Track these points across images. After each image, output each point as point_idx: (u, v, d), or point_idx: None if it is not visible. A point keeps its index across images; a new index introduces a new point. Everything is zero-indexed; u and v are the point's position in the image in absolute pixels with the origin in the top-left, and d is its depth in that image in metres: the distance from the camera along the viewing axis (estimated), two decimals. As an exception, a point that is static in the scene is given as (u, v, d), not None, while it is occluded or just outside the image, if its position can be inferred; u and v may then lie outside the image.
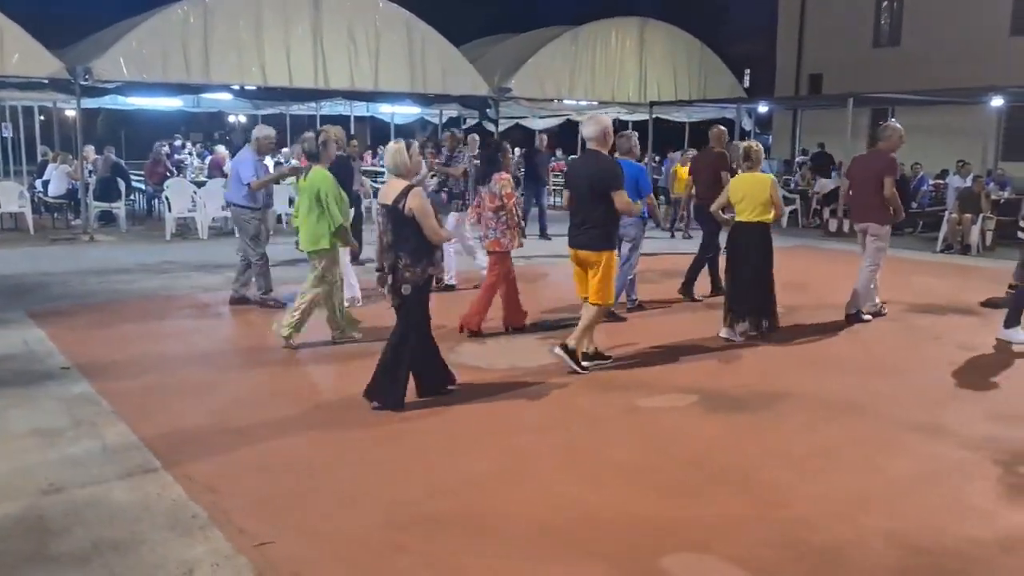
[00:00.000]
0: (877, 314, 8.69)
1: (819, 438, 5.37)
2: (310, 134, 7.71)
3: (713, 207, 8.17)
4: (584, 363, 6.68)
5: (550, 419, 5.69)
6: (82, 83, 14.16)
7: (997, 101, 16.67)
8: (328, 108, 24.55)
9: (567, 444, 5.24)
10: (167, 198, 14.94)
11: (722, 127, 10.32)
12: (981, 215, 14.20)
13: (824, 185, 17.97)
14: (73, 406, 5.75)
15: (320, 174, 7.20)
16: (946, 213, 14.94)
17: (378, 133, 30.30)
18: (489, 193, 7.74)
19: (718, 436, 5.41)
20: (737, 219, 7.78)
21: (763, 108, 23.31)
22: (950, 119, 18.82)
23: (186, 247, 13.62)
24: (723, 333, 7.79)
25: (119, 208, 15.86)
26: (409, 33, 17.77)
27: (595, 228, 6.43)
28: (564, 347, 6.66)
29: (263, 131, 8.95)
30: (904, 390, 6.39)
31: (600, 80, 21.10)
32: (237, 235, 9.21)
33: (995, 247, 14.26)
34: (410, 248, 5.63)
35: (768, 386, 6.40)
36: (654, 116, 21.60)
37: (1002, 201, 15.49)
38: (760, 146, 8.09)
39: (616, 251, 6.67)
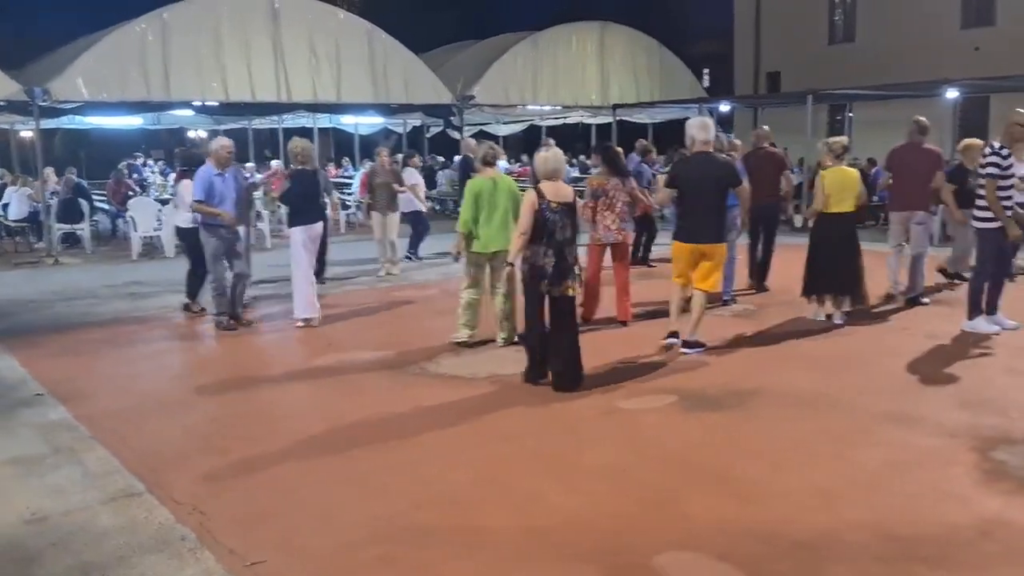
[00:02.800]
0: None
1: (794, 433, 5.47)
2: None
3: (817, 206, 8.36)
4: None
5: (531, 425, 5.73)
6: (40, 104, 13.99)
7: (952, 93, 17.02)
8: (291, 121, 24.43)
9: (550, 449, 5.28)
10: (132, 217, 14.79)
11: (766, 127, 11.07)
12: (940, 206, 14.44)
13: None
14: (50, 433, 5.70)
15: None
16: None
17: (342, 145, 30.19)
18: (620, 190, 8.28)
19: (695, 435, 5.49)
20: (832, 211, 8.16)
21: (725, 107, 23.57)
22: (907, 112, 19.00)
23: (153, 266, 13.48)
24: (836, 317, 8.34)
25: (83, 229, 15.67)
26: (371, 44, 17.80)
27: (720, 222, 7.22)
28: (686, 343, 7.33)
29: (219, 142, 8.75)
30: (875, 381, 6.52)
31: (562, 84, 21.27)
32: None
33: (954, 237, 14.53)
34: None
35: (742, 384, 6.49)
36: (617, 119, 21.76)
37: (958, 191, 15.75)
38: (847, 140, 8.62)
39: None
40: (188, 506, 4.47)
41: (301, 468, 5.04)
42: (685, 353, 7.30)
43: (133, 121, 23.49)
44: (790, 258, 10.23)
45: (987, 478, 4.67)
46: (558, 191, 6.36)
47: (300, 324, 8.76)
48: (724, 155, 8.30)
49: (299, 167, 9.04)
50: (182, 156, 9.83)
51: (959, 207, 8.98)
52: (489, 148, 7.91)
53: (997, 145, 7.56)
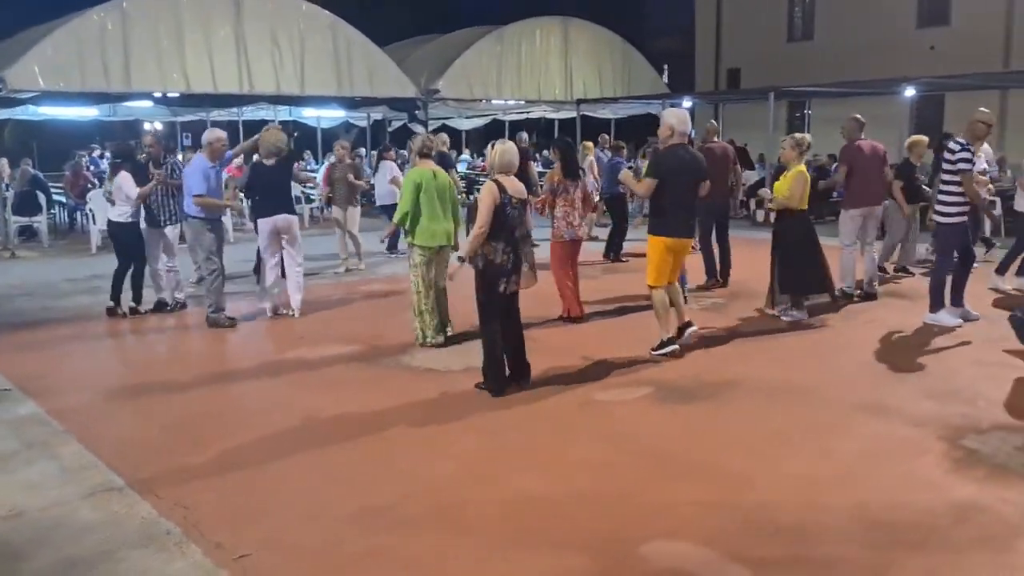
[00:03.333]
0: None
1: (770, 423, 5.56)
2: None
3: (794, 203, 8.21)
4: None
5: (510, 417, 5.75)
6: (-5, 94, 13.69)
7: (909, 92, 17.34)
8: (251, 113, 24.17)
9: (530, 441, 5.31)
10: (91, 210, 14.50)
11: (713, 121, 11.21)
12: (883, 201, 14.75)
13: (749, 177, 18.43)
14: (21, 428, 5.59)
15: None
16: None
17: (302, 137, 29.89)
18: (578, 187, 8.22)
19: (674, 426, 5.56)
20: (803, 208, 8.21)
21: (687, 103, 23.76)
22: (865, 110, 19.30)
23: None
24: (800, 313, 8.36)
25: (40, 222, 15.34)
26: (334, 36, 17.65)
27: (695, 216, 7.29)
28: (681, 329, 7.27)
29: (215, 134, 8.59)
30: (845, 373, 6.65)
31: (527, 79, 21.30)
32: (189, 248, 8.83)
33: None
34: None
35: (716, 375, 6.58)
36: (580, 113, 21.83)
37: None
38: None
39: None
40: (170, 500, 4.42)
41: (283, 462, 5.01)
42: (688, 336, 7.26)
43: (88, 112, 23.05)
44: (749, 252, 10.38)
45: (959, 465, 4.79)
46: (515, 186, 6.14)
47: (269, 316, 8.76)
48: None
49: (264, 160, 8.82)
50: (116, 149, 9.36)
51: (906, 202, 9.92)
52: (425, 139, 7.80)
53: (964, 141, 7.74)
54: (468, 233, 6.25)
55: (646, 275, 7.15)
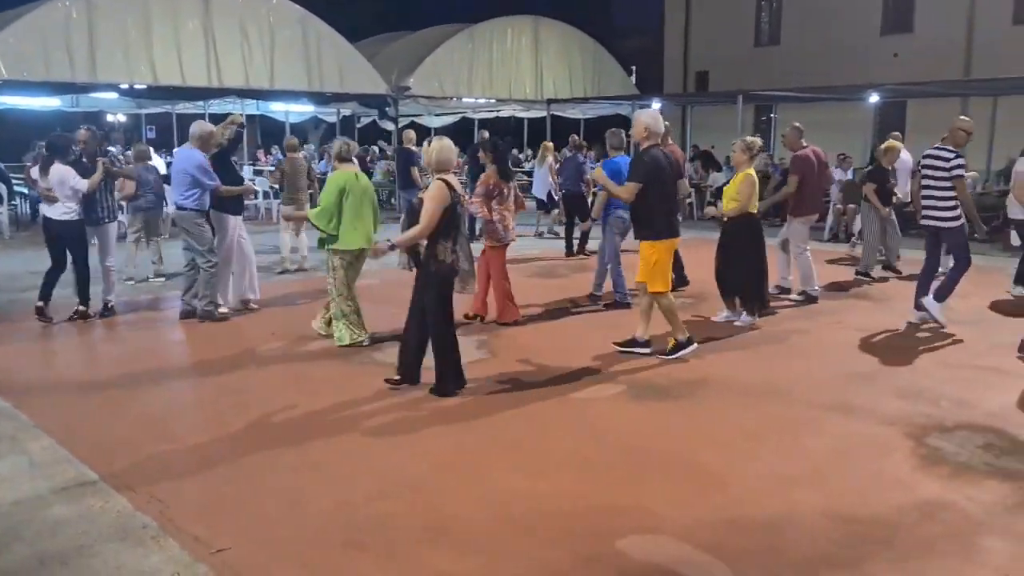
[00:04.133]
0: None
1: (743, 421, 5.65)
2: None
3: (748, 206, 8.15)
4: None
5: (486, 413, 5.77)
6: (-44, 82, 13.41)
7: (874, 98, 17.64)
8: (217, 106, 23.88)
9: (506, 437, 5.34)
10: (55, 202, 14.23)
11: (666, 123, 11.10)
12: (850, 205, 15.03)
13: (716, 179, 18.61)
14: (-11, 422, 5.51)
15: None
16: (831, 204, 15.72)
17: (271, 131, 29.64)
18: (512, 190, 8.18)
19: (649, 423, 5.63)
20: (750, 212, 8.16)
21: (656, 104, 23.93)
22: (831, 115, 19.80)
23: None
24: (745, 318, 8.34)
25: (1, 213, 15.06)
26: (304, 30, 17.54)
27: (678, 214, 7.29)
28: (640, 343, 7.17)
29: (206, 128, 8.42)
30: (814, 372, 6.76)
31: (497, 78, 21.32)
32: (183, 242, 8.48)
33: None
34: None
35: (689, 374, 6.66)
36: (550, 113, 21.92)
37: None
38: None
39: None
40: (146, 495, 4.39)
41: (258, 457, 4.99)
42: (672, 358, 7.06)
43: (51, 102, 22.63)
44: (698, 252, 10.50)
45: (925, 464, 4.91)
46: (458, 185, 6.03)
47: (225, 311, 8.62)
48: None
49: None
50: (50, 141, 8.48)
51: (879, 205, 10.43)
52: (343, 144, 7.63)
53: (954, 149, 7.98)
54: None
55: (647, 284, 6.99)
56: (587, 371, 6.74)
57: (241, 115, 9.59)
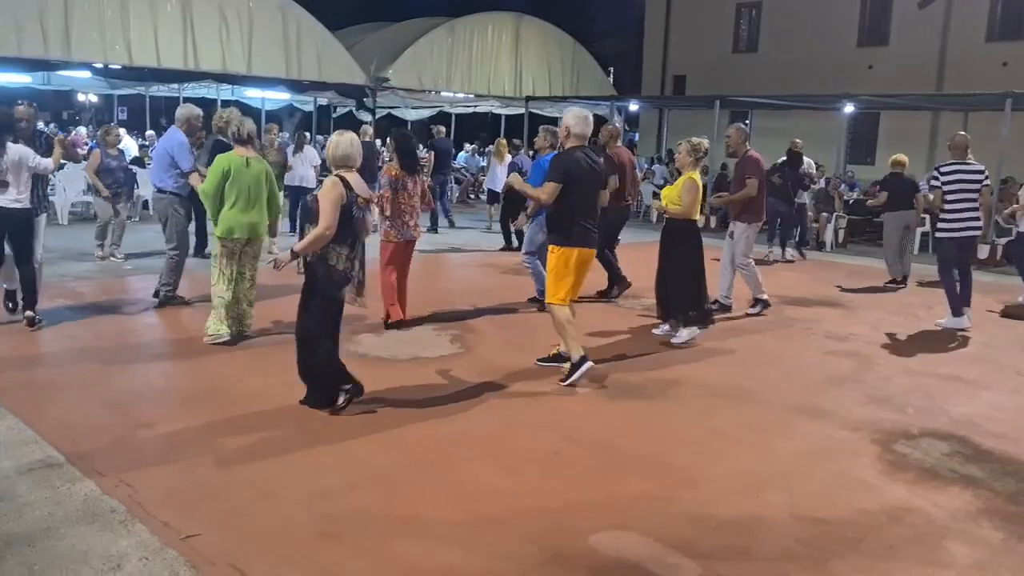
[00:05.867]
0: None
1: (714, 422, 5.70)
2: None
3: (689, 211, 7.52)
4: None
5: (458, 408, 5.77)
6: (-75, 55, 13.16)
7: (849, 108, 17.84)
8: (191, 90, 23.65)
9: (478, 433, 5.34)
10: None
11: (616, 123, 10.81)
12: (835, 214, 15.24)
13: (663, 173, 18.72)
14: (-47, 401, 5.41)
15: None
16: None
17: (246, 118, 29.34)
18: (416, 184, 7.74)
19: (620, 422, 5.66)
20: (692, 219, 7.58)
21: (634, 106, 24.06)
22: (805, 123, 20.02)
23: (47, 234, 12.76)
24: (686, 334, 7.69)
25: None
26: (284, 17, 17.43)
27: (596, 224, 6.41)
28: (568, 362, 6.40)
29: (192, 111, 8.29)
30: (785, 377, 6.84)
31: (477, 73, 21.30)
32: (162, 225, 8.30)
33: (846, 244, 15.35)
34: None
35: (661, 374, 6.71)
36: (529, 111, 21.94)
37: (851, 201, 16.62)
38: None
39: None
40: (114, 478, 4.34)
41: (229, 445, 4.95)
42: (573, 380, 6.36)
43: (20, 79, 22.23)
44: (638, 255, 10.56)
45: (891, 468, 4.99)
46: (360, 184, 5.52)
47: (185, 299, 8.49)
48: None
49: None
50: None
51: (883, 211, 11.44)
52: (240, 124, 7.16)
53: (977, 163, 8.73)
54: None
55: (547, 292, 6.52)
56: (560, 369, 6.75)
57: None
